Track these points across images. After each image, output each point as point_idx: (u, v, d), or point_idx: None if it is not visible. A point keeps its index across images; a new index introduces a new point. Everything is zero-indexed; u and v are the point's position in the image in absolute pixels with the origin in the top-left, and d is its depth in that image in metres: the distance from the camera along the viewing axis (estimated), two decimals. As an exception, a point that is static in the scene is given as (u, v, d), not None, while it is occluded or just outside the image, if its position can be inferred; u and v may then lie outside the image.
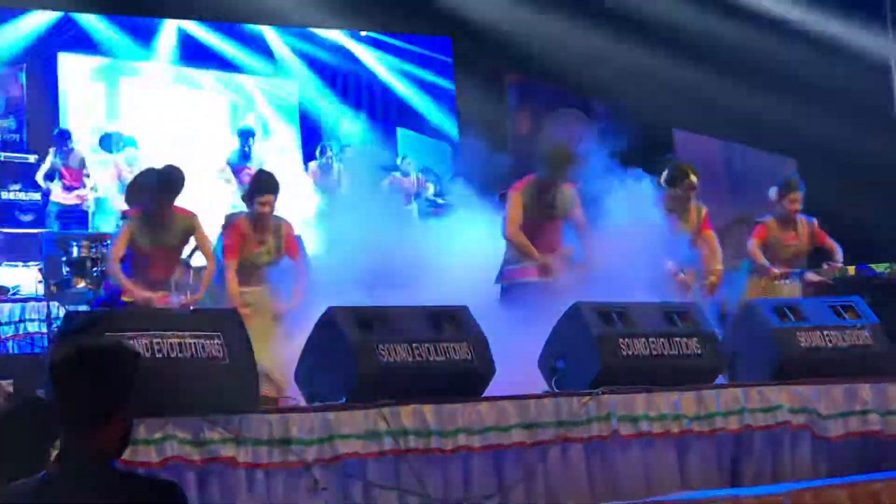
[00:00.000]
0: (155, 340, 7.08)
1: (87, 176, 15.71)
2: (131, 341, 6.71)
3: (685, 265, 10.95)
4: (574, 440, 8.12)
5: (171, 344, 7.13)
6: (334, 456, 7.35)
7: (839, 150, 14.81)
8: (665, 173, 11.10)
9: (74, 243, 12.19)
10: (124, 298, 9.95)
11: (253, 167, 15.46)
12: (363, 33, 18.74)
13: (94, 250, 12.15)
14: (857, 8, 15.32)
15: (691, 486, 8.41)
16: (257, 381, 7.44)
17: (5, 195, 15.71)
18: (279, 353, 9.04)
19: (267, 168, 12.56)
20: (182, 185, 10.52)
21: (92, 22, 17.08)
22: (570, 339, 8.72)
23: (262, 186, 10.19)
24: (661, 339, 8.84)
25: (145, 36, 17.38)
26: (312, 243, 10.80)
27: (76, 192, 15.66)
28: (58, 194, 15.58)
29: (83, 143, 16.26)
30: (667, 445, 8.45)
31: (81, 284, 11.91)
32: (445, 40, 18.75)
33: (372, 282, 9.79)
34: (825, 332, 9.49)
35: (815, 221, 11.69)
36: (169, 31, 17.53)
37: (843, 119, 15.01)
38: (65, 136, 15.81)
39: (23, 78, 16.63)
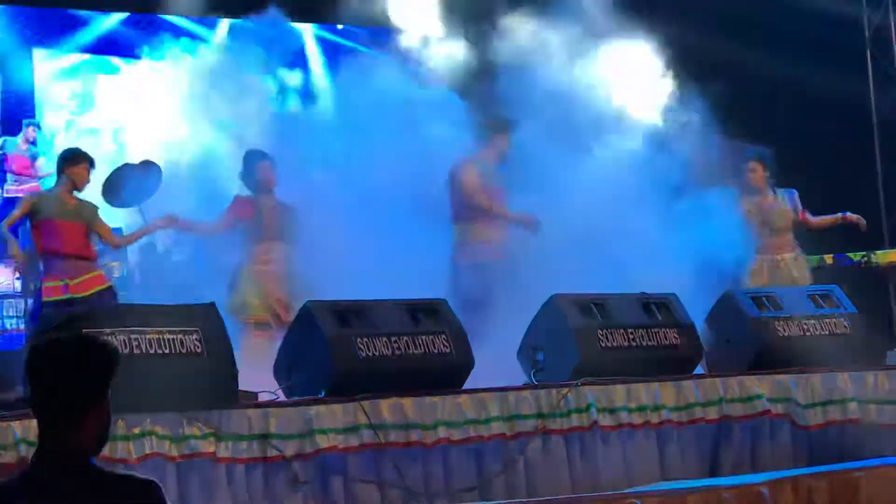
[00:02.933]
0: (133, 336, 7.05)
1: (35, 169, 15.65)
2: (109, 337, 6.67)
3: None
4: (554, 432, 8.12)
5: (148, 340, 7.10)
6: (314, 450, 7.33)
7: (814, 140, 14.85)
8: None
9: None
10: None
11: None
12: (340, 27, 18.67)
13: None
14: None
15: (671, 477, 8.42)
16: (236, 376, 7.42)
17: (-21, 191, 15.66)
18: None
19: None
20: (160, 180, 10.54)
21: (68, 17, 17.00)
22: (549, 330, 8.72)
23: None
24: (640, 330, 8.85)
25: (124, 32, 17.29)
26: None
27: (28, 185, 15.60)
28: (10, 188, 15.53)
29: (58, 138, 16.20)
30: (647, 436, 8.46)
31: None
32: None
33: None
34: (803, 322, 9.51)
35: (796, 193, 11.69)
36: (147, 26, 17.45)
37: (819, 110, 15.05)
38: (19, 124, 15.80)
39: (-4, 73, 16.56)
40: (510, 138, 10.84)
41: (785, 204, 11.55)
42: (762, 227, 11.43)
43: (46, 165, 15.77)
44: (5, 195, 15.61)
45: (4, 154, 15.70)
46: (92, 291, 9.97)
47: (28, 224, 10.29)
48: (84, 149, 10.58)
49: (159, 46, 16.47)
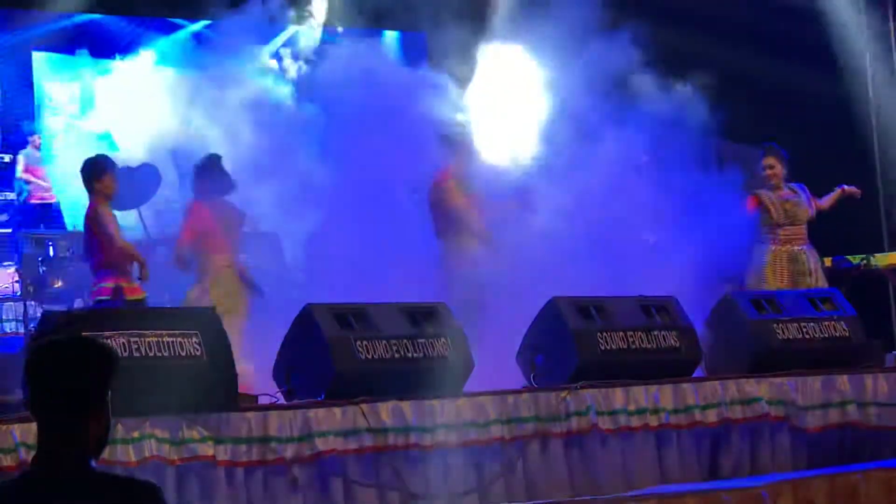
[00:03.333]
0: (133, 339, 7.05)
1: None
2: (109, 340, 6.67)
3: None
4: (553, 435, 8.12)
5: (148, 343, 7.10)
6: (313, 453, 7.34)
7: (813, 142, 14.84)
8: None
9: (50, 243, 12.14)
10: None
11: None
12: (340, 29, 18.65)
13: (70, 250, 12.11)
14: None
15: (670, 480, 8.42)
16: (235, 379, 7.42)
17: (-21, 195, 15.66)
18: None
19: None
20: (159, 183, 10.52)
21: (68, 20, 17.00)
22: (548, 333, 8.72)
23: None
24: (639, 333, 8.85)
25: (123, 35, 17.29)
26: None
27: (44, 193, 15.64)
28: (35, 194, 15.57)
29: (59, 141, 16.22)
30: (646, 439, 8.46)
31: (58, 284, 11.87)
32: (420, 36, 18.70)
33: None
34: (802, 325, 9.51)
35: (805, 186, 11.70)
36: (147, 29, 17.46)
37: (819, 111, 15.05)
38: (29, 134, 15.83)
39: (-4, 77, 16.57)
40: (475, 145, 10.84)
41: (801, 197, 11.56)
42: (782, 220, 11.42)
43: (50, 170, 15.81)
44: (31, 201, 15.63)
45: (27, 165, 15.74)
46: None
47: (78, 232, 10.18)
48: (100, 154, 10.50)
49: (150, 45, 16.53)
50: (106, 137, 16.04)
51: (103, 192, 9.94)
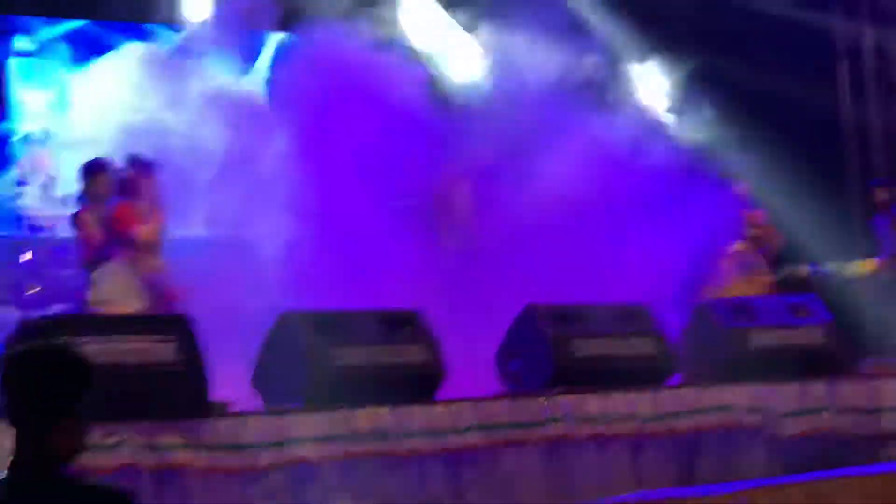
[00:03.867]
0: (108, 345, 7.03)
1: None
2: (83, 346, 6.65)
3: None
4: (529, 441, 8.12)
5: (122, 349, 7.09)
6: (289, 460, 7.32)
7: (788, 149, 14.90)
8: None
9: (27, 248, 12.09)
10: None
11: None
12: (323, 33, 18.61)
13: (48, 255, 12.05)
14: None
15: (647, 487, 8.42)
16: (210, 385, 7.40)
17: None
18: None
19: None
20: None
21: (42, 26, 16.97)
22: (525, 340, 8.73)
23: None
24: (616, 340, 8.86)
25: (100, 40, 17.25)
26: None
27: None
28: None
29: (34, 147, 16.17)
30: (621, 446, 8.47)
31: (35, 290, 11.82)
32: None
33: None
34: (778, 331, 9.53)
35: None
36: (124, 34, 17.43)
37: (793, 120, 15.10)
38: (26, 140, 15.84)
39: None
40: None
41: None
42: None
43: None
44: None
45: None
46: None
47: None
48: (97, 157, 10.43)
49: (128, 50, 16.50)
50: (78, 142, 15.99)
51: (94, 192, 9.91)
